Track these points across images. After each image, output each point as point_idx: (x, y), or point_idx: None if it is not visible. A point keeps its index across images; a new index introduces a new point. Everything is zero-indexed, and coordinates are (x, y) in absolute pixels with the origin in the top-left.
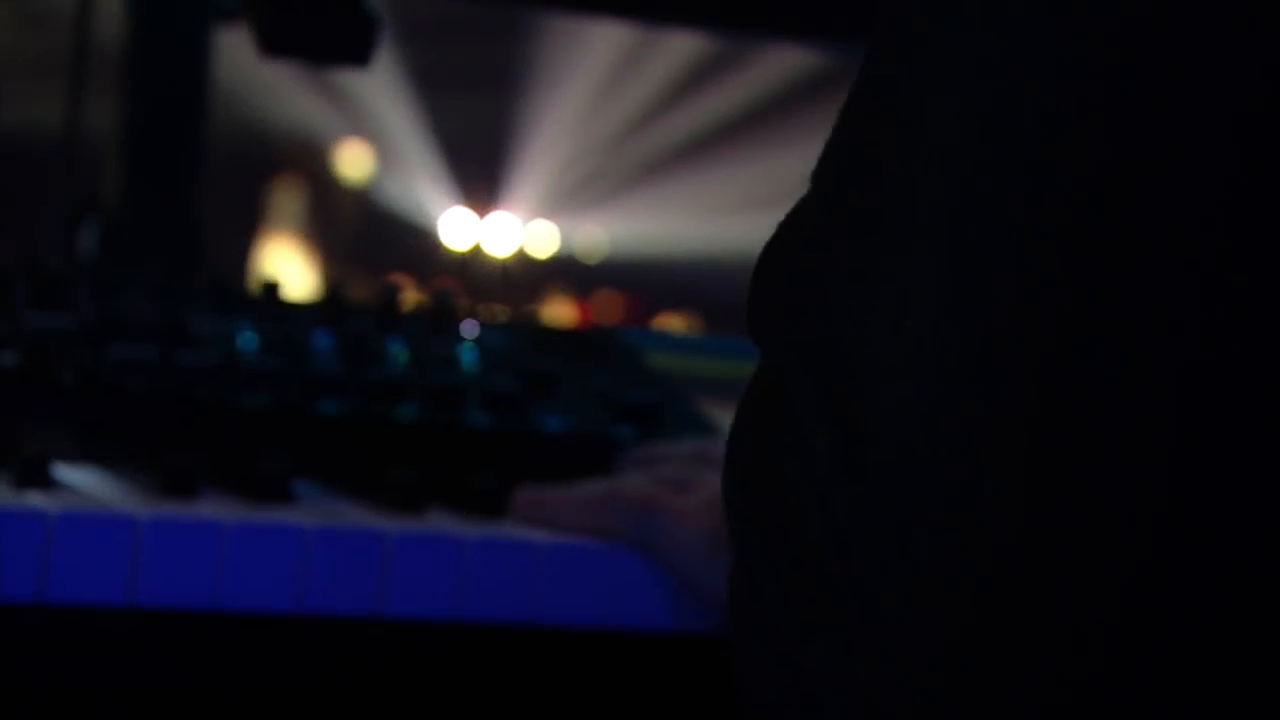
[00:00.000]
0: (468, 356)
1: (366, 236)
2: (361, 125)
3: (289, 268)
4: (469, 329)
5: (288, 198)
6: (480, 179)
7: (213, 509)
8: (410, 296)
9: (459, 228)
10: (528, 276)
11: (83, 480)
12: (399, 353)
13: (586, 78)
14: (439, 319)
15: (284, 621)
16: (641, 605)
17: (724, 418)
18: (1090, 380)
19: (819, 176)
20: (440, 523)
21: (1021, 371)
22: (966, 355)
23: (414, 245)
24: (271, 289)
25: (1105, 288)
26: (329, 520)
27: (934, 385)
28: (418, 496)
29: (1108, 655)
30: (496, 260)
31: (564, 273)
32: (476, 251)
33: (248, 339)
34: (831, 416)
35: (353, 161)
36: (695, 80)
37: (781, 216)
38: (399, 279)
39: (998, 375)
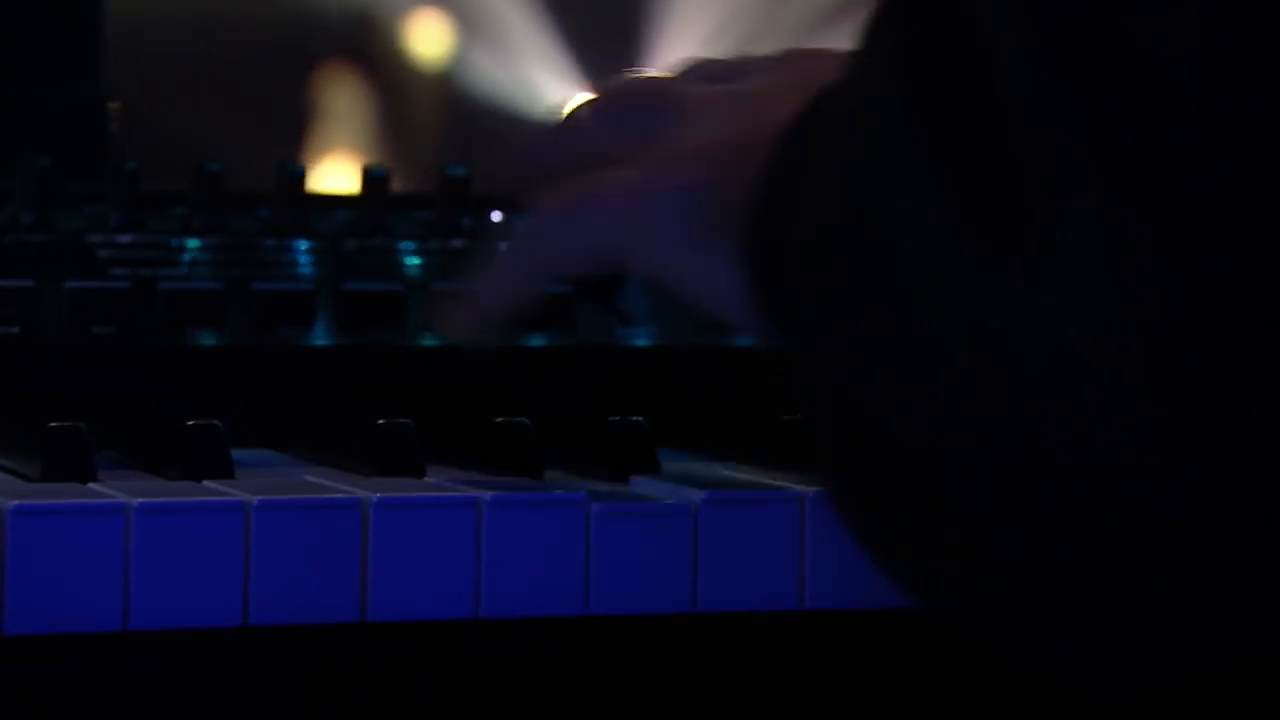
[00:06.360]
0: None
1: (450, 139)
2: None
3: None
4: (495, 218)
5: (337, 95)
6: (608, 51)
7: (115, 490)
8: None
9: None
10: None
11: None
12: (393, 256)
13: None
14: (448, 209)
15: (224, 639)
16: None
17: None
18: None
19: None
20: (446, 484)
21: None
22: None
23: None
24: (207, 181)
25: None
26: (282, 492)
27: None
28: (413, 449)
29: None
30: None
31: None
32: None
33: (175, 249)
34: None
35: (428, 37)
36: None
37: None
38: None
39: None
